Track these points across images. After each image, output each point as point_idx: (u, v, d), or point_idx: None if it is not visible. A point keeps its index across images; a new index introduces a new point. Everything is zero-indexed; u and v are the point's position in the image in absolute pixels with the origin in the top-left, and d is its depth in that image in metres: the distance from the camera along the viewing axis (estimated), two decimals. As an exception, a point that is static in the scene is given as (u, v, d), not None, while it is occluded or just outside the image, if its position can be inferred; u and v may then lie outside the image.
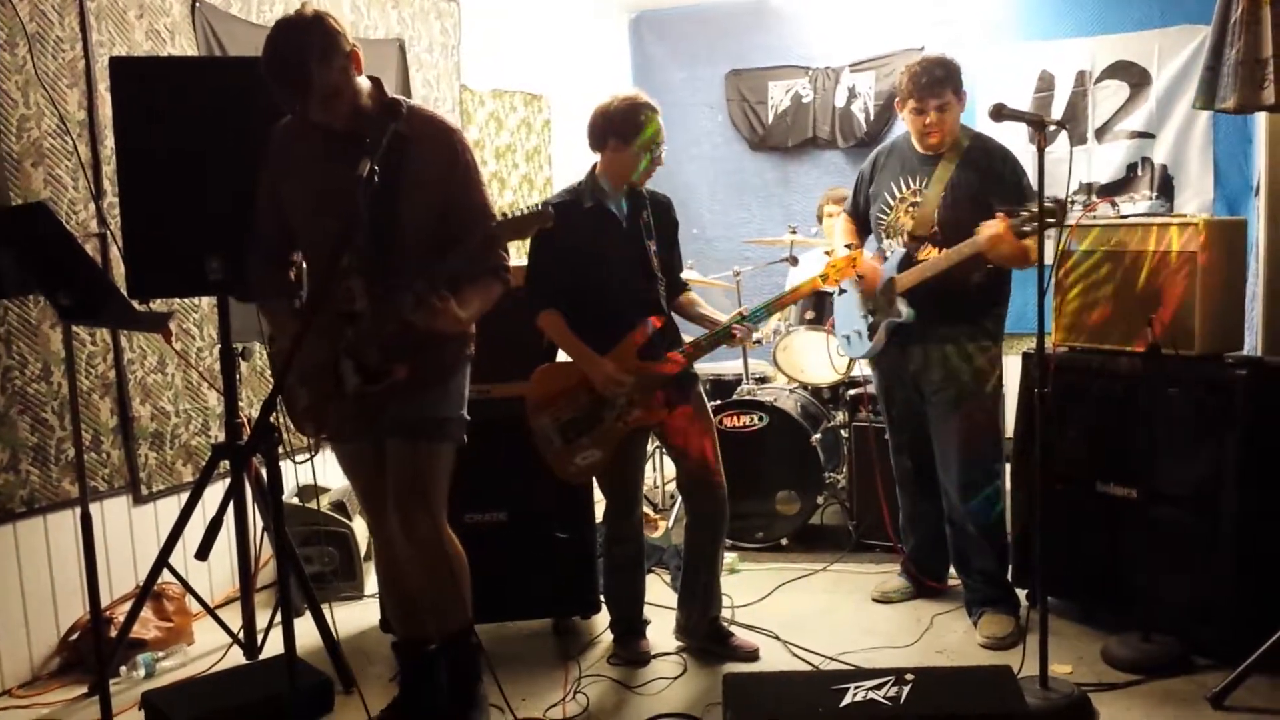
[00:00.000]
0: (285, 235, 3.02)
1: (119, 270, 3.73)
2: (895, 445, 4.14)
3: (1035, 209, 3.32)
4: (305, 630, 3.45)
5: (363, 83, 2.80)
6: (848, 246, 3.90)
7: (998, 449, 3.88)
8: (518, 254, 3.46)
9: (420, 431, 2.95)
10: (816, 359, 5.08)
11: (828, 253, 3.88)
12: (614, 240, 3.51)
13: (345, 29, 2.75)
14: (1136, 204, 6.24)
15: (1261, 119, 4.86)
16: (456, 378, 3.04)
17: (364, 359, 2.81)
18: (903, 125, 3.85)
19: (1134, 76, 6.27)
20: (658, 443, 4.52)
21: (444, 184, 2.87)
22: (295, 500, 4.48)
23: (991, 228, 3.51)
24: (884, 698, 2.75)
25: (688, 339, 3.59)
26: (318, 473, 4.71)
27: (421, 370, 2.89)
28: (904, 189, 3.82)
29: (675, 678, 3.56)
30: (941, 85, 3.66)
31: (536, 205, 2.76)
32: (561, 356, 3.58)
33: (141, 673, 3.66)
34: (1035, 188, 3.21)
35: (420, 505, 2.95)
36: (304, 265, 3.09)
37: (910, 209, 3.79)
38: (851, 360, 4.66)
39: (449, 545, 3.03)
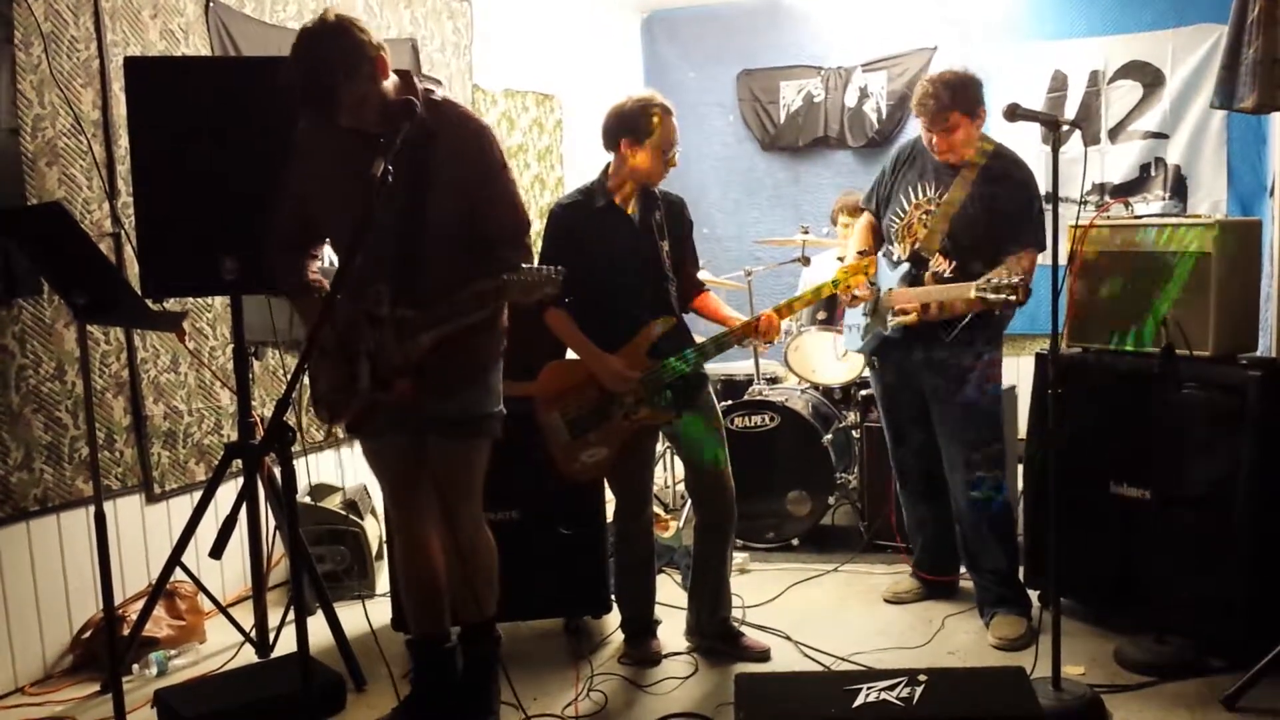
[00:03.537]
0: (309, 230, 3.04)
1: (133, 270, 3.74)
2: (896, 445, 4.13)
3: (1008, 283, 3.34)
4: (317, 629, 3.46)
5: (391, 83, 2.80)
6: (860, 253, 3.89)
7: (1002, 449, 3.86)
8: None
9: (464, 429, 3.00)
10: (828, 359, 5.08)
11: (840, 258, 3.87)
12: (626, 240, 3.51)
13: (370, 31, 2.74)
14: (1150, 204, 6.21)
15: (1277, 119, 4.85)
16: (494, 373, 3.07)
17: (378, 365, 2.82)
18: (916, 125, 3.84)
19: (1148, 76, 6.25)
20: (668, 443, 4.52)
21: (471, 182, 2.88)
22: (307, 499, 4.50)
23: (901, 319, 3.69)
24: (896, 698, 2.75)
25: (699, 339, 3.59)
26: (331, 471, 4.74)
27: (460, 369, 2.92)
28: (919, 195, 3.81)
29: (686, 677, 3.56)
30: (946, 110, 3.62)
31: (548, 269, 2.72)
32: (570, 354, 3.58)
33: (154, 671, 3.67)
34: (1048, 189, 3.20)
35: (465, 499, 3.04)
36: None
37: (924, 216, 3.77)
38: (862, 358, 4.65)
39: (488, 535, 3.14)
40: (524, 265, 2.73)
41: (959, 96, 3.63)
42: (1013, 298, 3.36)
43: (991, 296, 3.41)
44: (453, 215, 2.88)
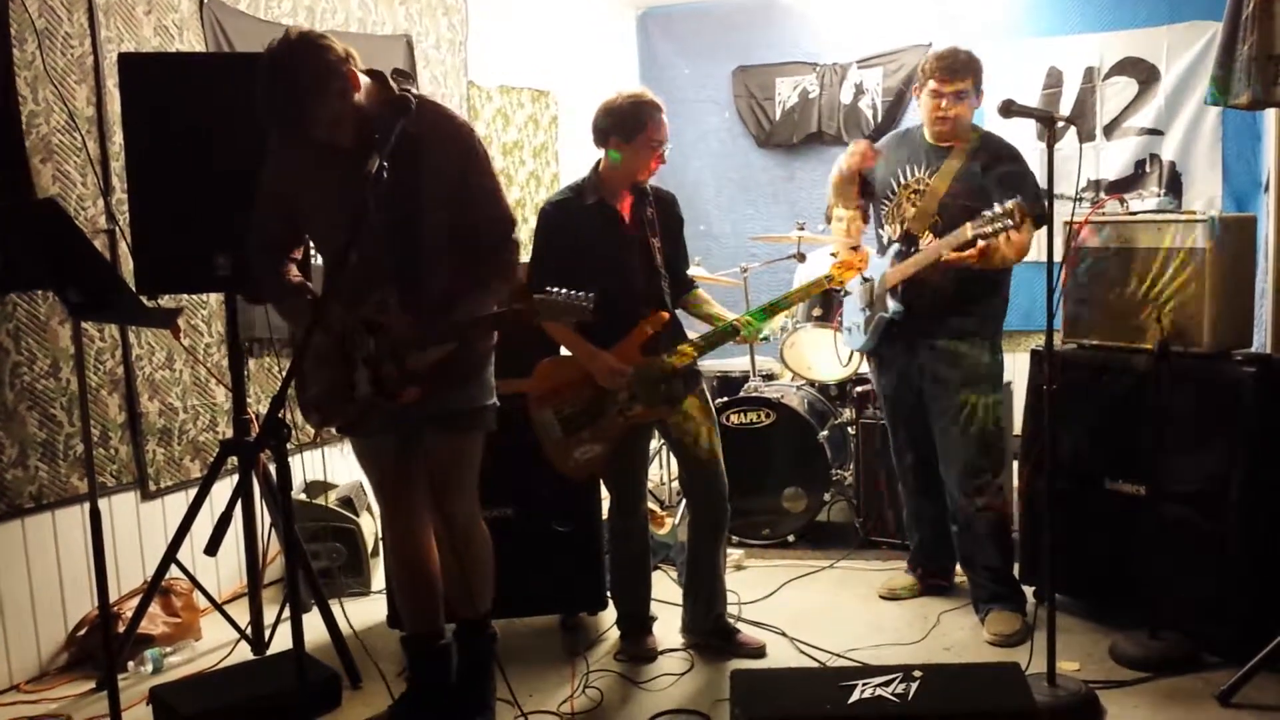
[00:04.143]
0: (289, 234, 3.02)
1: (127, 266, 3.73)
2: (896, 443, 4.13)
3: (1001, 210, 3.34)
4: (313, 626, 3.45)
5: (364, 91, 2.76)
6: (853, 248, 3.90)
7: (999, 446, 3.87)
8: (524, 249, 3.46)
9: (460, 422, 3.00)
10: (824, 356, 5.07)
11: (834, 254, 3.87)
12: (617, 237, 3.51)
13: (336, 45, 2.69)
14: (1145, 201, 6.21)
15: (1271, 115, 4.85)
16: (487, 368, 3.08)
17: (380, 373, 2.81)
18: (911, 120, 3.85)
19: (1142, 73, 6.25)
20: (662, 439, 4.53)
21: (458, 179, 2.87)
22: (303, 496, 4.49)
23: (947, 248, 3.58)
24: (892, 694, 2.75)
25: (693, 335, 3.59)
26: (325, 468, 4.74)
27: (457, 365, 2.90)
28: (909, 177, 3.82)
29: (682, 674, 3.56)
30: (965, 70, 3.68)
31: (581, 297, 2.75)
32: (564, 351, 3.58)
33: (149, 668, 3.67)
34: (1042, 187, 3.20)
35: (460, 493, 3.05)
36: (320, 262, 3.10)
37: (913, 196, 3.79)
38: (860, 355, 4.65)
39: (484, 530, 3.15)
40: (552, 288, 2.75)
41: (975, 68, 3.72)
42: (1010, 223, 3.34)
43: (990, 229, 3.40)
44: (439, 214, 2.86)
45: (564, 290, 2.76)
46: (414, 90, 2.83)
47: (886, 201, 3.89)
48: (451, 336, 2.86)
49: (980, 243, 3.47)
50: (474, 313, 2.88)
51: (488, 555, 3.16)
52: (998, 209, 3.38)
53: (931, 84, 3.72)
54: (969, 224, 3.47)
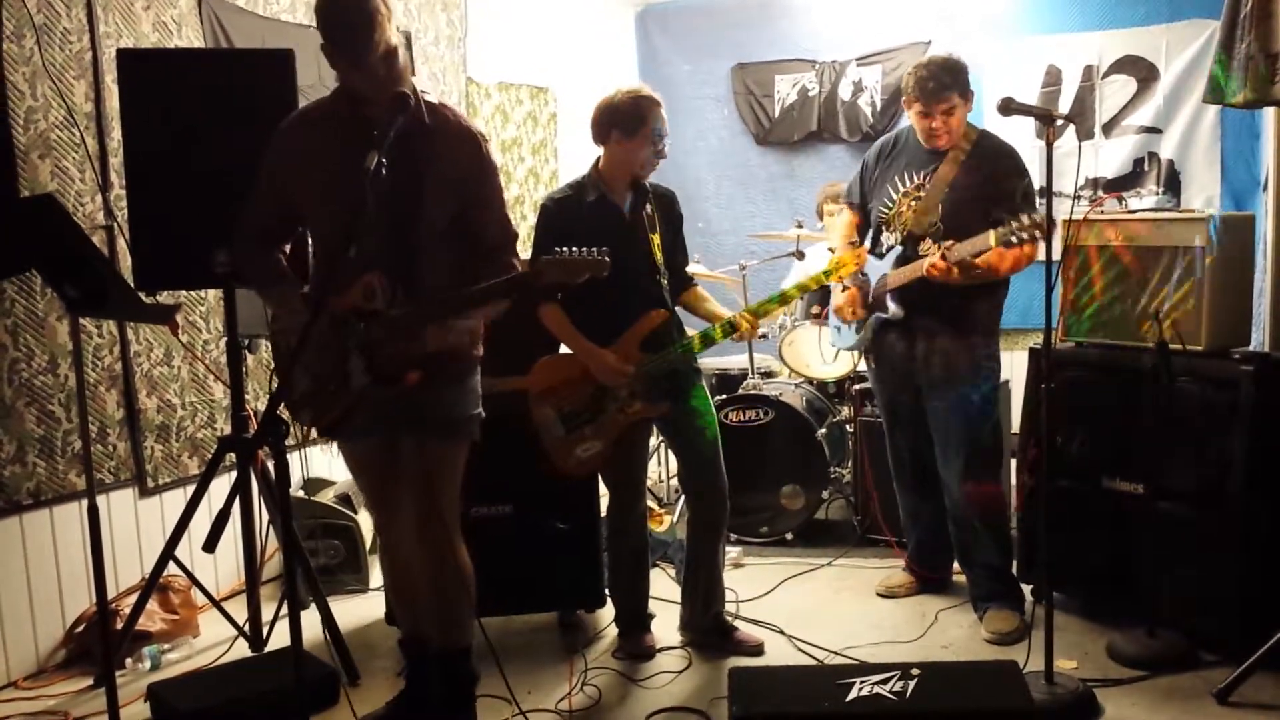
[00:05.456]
0: (284, 225, 3.00)
1: (126, 262, 3.73)
2: (893, 442, 4.13)
3: (1026, 220, 3.33)
4: (310, 623, 3.44)
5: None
6: (851, 244, 3.89)
7: (997, 443, 3.87)
8: (524, 245, 3.46)
9: (440, 430, 2.92)
10: (822, 353, 5.08)
11: (831, 249, 3.87)
12: (617, 234, 3.50)
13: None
14: (1143, 199, 6.22)
15: (1270, 114, 4.86)
16: (473, 376, 3.01)
17: (377, 359, 2.76)
18: (909, 118, 3.84)
19: (1141, 71, 6.25)
20: (661, 437, 4.53)
21: (466, 184, 2.86)
22: (301, 493, 4.49)
23: (929, 261, 3.57)
24: (889, 692, 2.75)
25: (691, 332, 3.59)
26: (324, 466, 4.74)
27: (440, 369, 2.84)
28: (908, 183, 3.81)
29: (680, 672, 3.56)
30: (948, 91, 3.63)
31: (594, 252, 2.74)
32: (564, 349, 3.58)
33: (147, 665, 3.67)
34: (1041, 184, 3.20)
35: (440, 502, 2.92)
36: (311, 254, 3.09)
37: (913, 203, 3.78)
38: (857, 352, 4.65)
39: (459, 555, 2.98)
40: (560, 249, 2.75)
41: (958, 78, 3.66)
42: (1038, 234, 3.32)
43: (1015, 239, 3.39)
44: (443, 214, 2.85)
45: (573, 249, 2.74)
46: (432, 97, 2.84)
47: (885, 209, 3.87)
48: (454, 307, 2.81)
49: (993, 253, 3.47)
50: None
51: (467, 586, 3.00)
52: (1025, 220, 3.36)
53: (918, 107, 3.69)
54: (992, 232, 3.45)
